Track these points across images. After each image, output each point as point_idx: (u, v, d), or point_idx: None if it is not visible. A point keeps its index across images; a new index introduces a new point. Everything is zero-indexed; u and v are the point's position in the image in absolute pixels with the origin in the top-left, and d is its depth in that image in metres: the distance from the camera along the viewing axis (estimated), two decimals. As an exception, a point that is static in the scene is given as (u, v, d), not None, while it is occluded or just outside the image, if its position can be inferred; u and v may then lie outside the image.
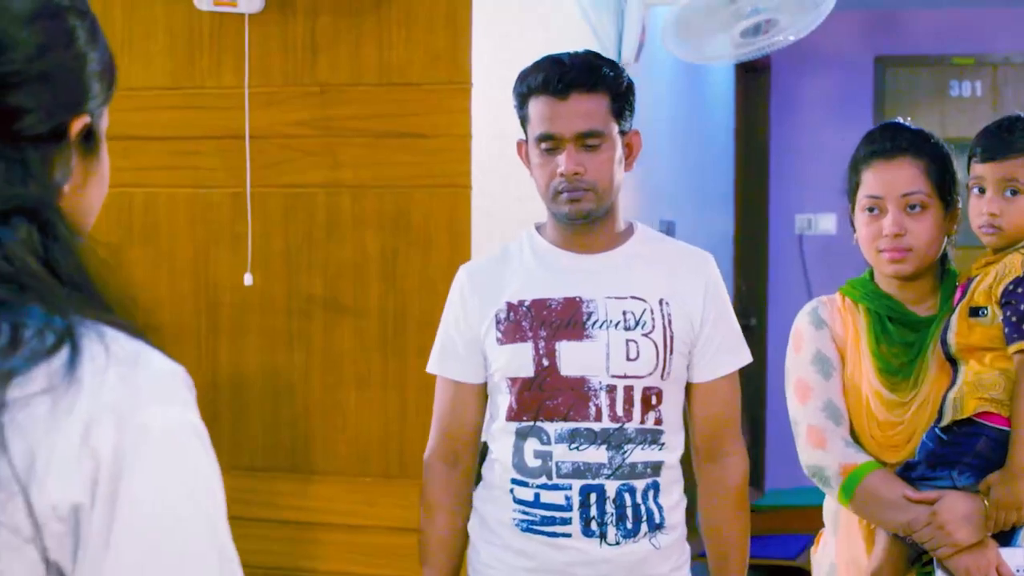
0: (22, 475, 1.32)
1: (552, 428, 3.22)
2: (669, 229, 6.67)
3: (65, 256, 1.43)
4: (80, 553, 1.35)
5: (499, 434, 3.31)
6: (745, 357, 3.39)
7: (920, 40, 9.18)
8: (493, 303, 3.31)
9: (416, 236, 4.17)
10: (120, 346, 1.43)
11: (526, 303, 3.27)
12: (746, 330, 8.83)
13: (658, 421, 3.25)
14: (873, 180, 3.29)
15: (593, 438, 3.21)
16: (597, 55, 3.30)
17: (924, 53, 9.17)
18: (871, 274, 3.40)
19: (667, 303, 3.26)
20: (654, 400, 3.24)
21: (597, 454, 3.20)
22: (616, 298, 3.25)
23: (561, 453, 3.20)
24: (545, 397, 3.23)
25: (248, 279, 4.26)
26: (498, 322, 3.29)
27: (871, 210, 3.29)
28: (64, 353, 1.36)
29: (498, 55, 4.31)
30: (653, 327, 3.23)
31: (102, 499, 1.35)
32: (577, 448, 3.20)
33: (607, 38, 5.42)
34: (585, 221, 3.25)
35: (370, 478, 4.23)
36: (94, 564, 1.35)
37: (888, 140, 3.32)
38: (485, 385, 3.37)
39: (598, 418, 3.21)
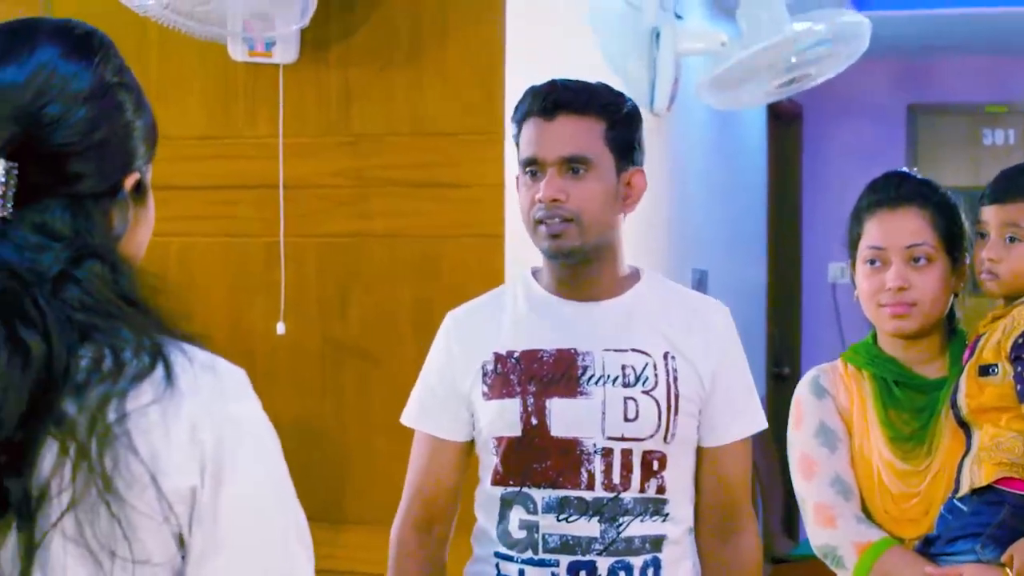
0: (151, 469, 1.64)
1: (539, 495, 2.88)
2: (702, 278, 6.66)
3: (131, 287, 1.72)
4: (195, 526, 1.67)
5: (485, 500, 3.00)
6: (759, 422, 3.06)
7: (953, 88, 9.18)
8: (480, 354, 2.98)
9: (449, 285, 4.18)
10: (197, 356, 1.75)
11: (515, 354, 2.93)
12: (779, 379, 8.78)
13: (661, 489, 2.90)
14: (876, 230, 3.09)
15: (584, 508, 2.86)
16: (605, 85, 3.02)
17: (957, 101, 9.17)
18: (874, 337, 3.17)
19: (673, 357, 2.92)
20: (656, 466, 2.89)
21: (588, 527, 2.85)
22: (615, 351, 2.91)
23: (548, 524, 2.87)
24: (532, 460, 2.88)
25: (281, 328, 4.28)
26: (484, 375, 2.95)
27: (872, 262, 3.08)
28: (160, 368, 1.67)
29: (531, 105, 4.32)
30: (656, 384, 2.89)
31: (209, 480, 1.68)
32: (566, 519, 2.86)
33: (639, 88, 5.43)
34: (570, 260, 2.91)
35: (403, 527, 4.22)
36: (207, 533, 1.68)
37: (892, 189, 3.12)
38: (468, 444, 3.05)
39: (590, 486, 2.86)
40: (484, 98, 4.16)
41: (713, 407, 2.96)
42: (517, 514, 2.91)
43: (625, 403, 2.88)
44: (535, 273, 3.06)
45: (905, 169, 3.26)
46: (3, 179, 1.67)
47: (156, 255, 4.42)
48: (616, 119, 2.92)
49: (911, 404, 3.07)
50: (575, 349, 2.91)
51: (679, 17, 5.87)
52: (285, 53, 4.22)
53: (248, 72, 4.37)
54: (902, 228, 3.06)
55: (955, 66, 9.14)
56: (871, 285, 3.07)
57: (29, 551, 1.59)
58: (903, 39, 8.34)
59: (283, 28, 4.15)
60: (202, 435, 1.69)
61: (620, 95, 2.99)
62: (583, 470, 2.86)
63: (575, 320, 2.95)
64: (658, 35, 5.55)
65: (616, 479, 2.87)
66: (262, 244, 4.36)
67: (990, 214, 3.03)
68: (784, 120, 8.93)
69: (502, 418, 2.91)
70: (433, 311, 4.19)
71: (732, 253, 7.69)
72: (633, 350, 2.92)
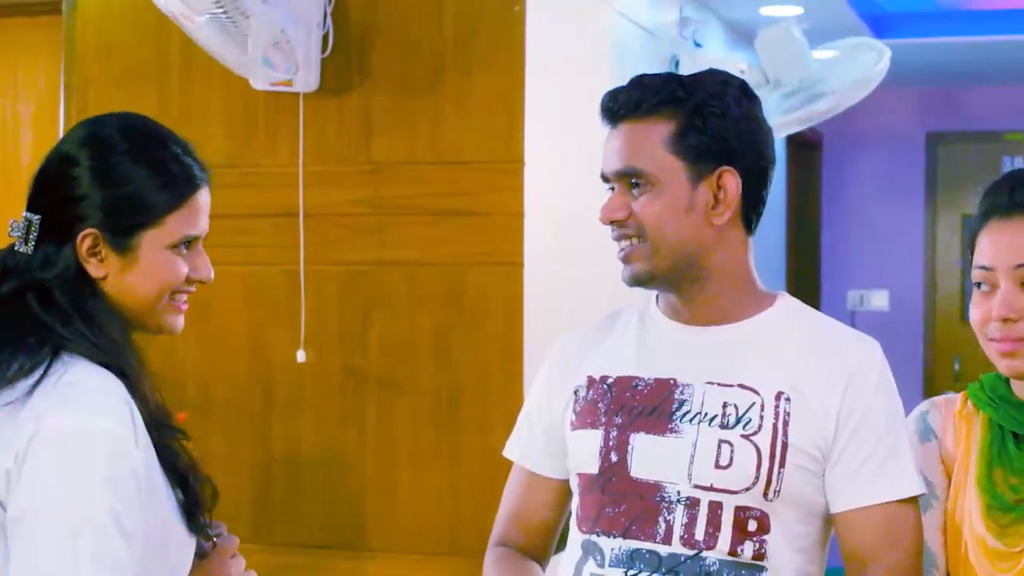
0: None
1: (608, 546, 2.45)
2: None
3: (70, 313, 2.17)
4: (8, 501, 2.06)
5: (570, 546, 2.56)
6: (906, 486, 2.43)
7: (972, 116, 9.17)
8: (575, 378, 2.59)
9: (469, 314, 4.18)
10: (75, 373, 2.11)
11: (609, 380, 2.53)
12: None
13: (759, 556, 2.39)
14: (986, 246, 2.43)
15: (656, 565, 2.41)
16: (703, 74, 2.55)
17: (976, 129, 9.17)
18: None
19: (788, 399, 2.42)
20: (753, 526, 2.39)
21: None
22: (719, 385, 2.46)
23: None
24: (606, 503, 2.46)
25: (301, 356, 4.28)
26: (575, 401, 2.57)
27: (979, 285, 2.44)
28: (36, 377, 2.09)
29: (551, 134, 4.34)
30: (760, 428, 2.40)
31: (15, 470, 2.05)
32: None
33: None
34: (652, 287, 2.55)
35: (425, 555, 4.22)
36: (9, 513, 2.05)
37: (1006, 193, 2.44)
38: (566, 483, 2.63)
39: (667, 540, 2.41)
40: (504, 127, 4.16)
41: (843, 464, 2.42)
42: (589, 568, 2.47)
43: (719, 447, 2.41)
44: (660, 294, 2.62)
45: None
46: (27, 227, 2.22)
47: (177, 283, 4.45)
48: (688, 118, 2.46)
49: None
50: (675, 380, 2.49)
51: (698, 45, 5.88)
52: (306, 82, 4.23)
53: (268, 100, 4.38)
54: (1012, 244, 2.40)
55: (975, 94, 9.14)
56: (979, 313, 2.44)
57: None
58: (923, 67, 8.34)
59: (304, 56, 4.16)
60: (23, 433, 2.06)
61: (703, 86, 2.49)
62: (661, 520, 2.42)
63: (681, 346, 2.53)
64: (677, 63, 5.56)
65: (699, 535, 2.40)
66: (282, 272, 4.37)
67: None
68: (804, 148, 8.93)
69: (583, 451, 2.52)
70: (453, 339, 4.20)
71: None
72: (740, 386, 2.46)
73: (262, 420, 4.40)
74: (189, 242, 2.29)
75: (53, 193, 2.21)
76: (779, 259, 8.59)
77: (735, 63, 5.75)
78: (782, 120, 5.57)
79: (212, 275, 2.37)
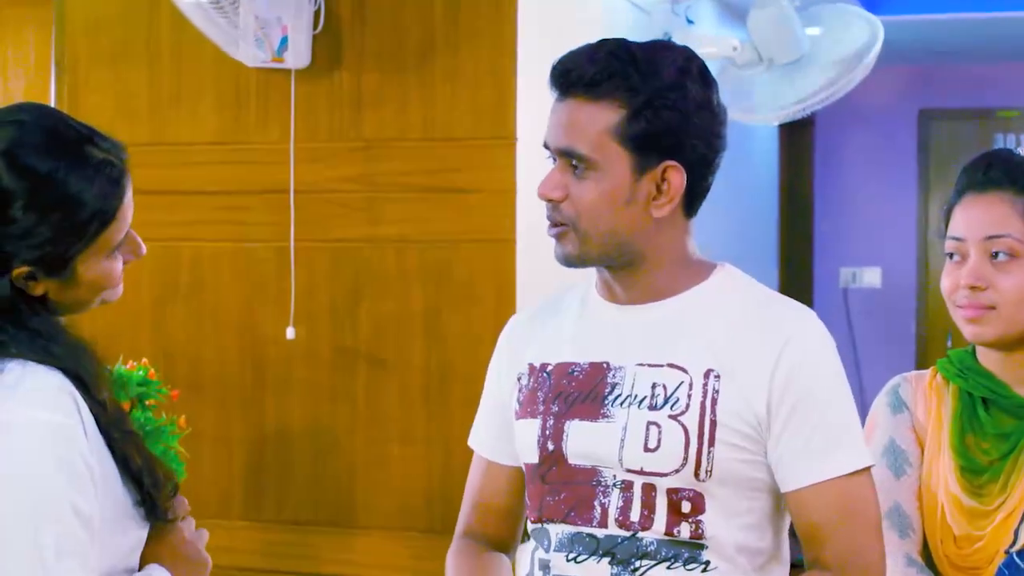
0: None
1: (554, 531, 2.42)
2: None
3: (14, 332, 2.13)
4: None
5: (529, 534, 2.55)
6: (854, 459, 2.34)
7: (964, 93, 9.16)
8: (519, 364, 2.54)
9: (460, 291, 4.18)
10: (15, 374, 2.08)
11: (548, 367, 2.47)
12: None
13: (697, 535, 2.34)
14: (959, 219, 2.56)
15: (594, 547, 2.39)
16: (647, 47, 2.39)
17: (969, 106, 9.16)
18: (975, 346, 2.64)
19: (717, 376, 2.34)
20: (687, 507, 2.34)
21: (598, 568, 2.38)
22: (649, 366, 2.38)
23: (559, 564, 2.41)
24: (547, 491, 2.43)
25: (290, 333, 4.28)
26: (519, 390, 2.52)
27: (951, 256, 2.57)
28: None
29: (543, 110, 4.32)
30: (687, 408, 2.33)
31: None
32: (575, 559, 2.40)
33: (651, 93, 5.41)
34: (580, 267, 2.45)
35: (414, 532, 4.22)
36: None
37: (981, 170, 2.58)
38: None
39: (603, 522, 2.37)
40: (496, 103, 4.16)
41: (784, 442, 2.33)
42: (538, 554, 2.46)
43: (647, 429, 2.35)
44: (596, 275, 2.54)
45: (1013, 148, 2.70)
46: None
47: (167, 260, 4.48)
48: (640, 104, 2.33)
49: (996, 428, 2.56)
50: (608, 363, 2.41)
51: (690, 22, 5.87)
52: (297, 59, 4.22)
53: (260, 77, 4.37)
54: (983, 217, 2.53)
55: (967, 71, 9.13)
56: (949, 282, 2.56)
57: None
58: (914, 44, 8.33)
59: (295, 33, 4.16)
60: None
61: (660, 68, 2.35)
62: (596, 504, 2.38)
63: (614, 328, 2.45)
64: (669, 39, 5.54)
65: (634, 517, 2.35)
66: (273, 249, 4.36)
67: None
68: (796, 125, 8.91)
69: (525, 440, 2.47)
70: (444, 316, 4.20)
71: (743, 258, 7.66)
72: (670, 365, 2.37)
73: (252, 397, 4.39)
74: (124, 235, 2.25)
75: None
76: (771, 237, 8.60)
77: (727, 40, 5.74)
78: (781, 111, 5.55)
79: (144, 250, 2.29)
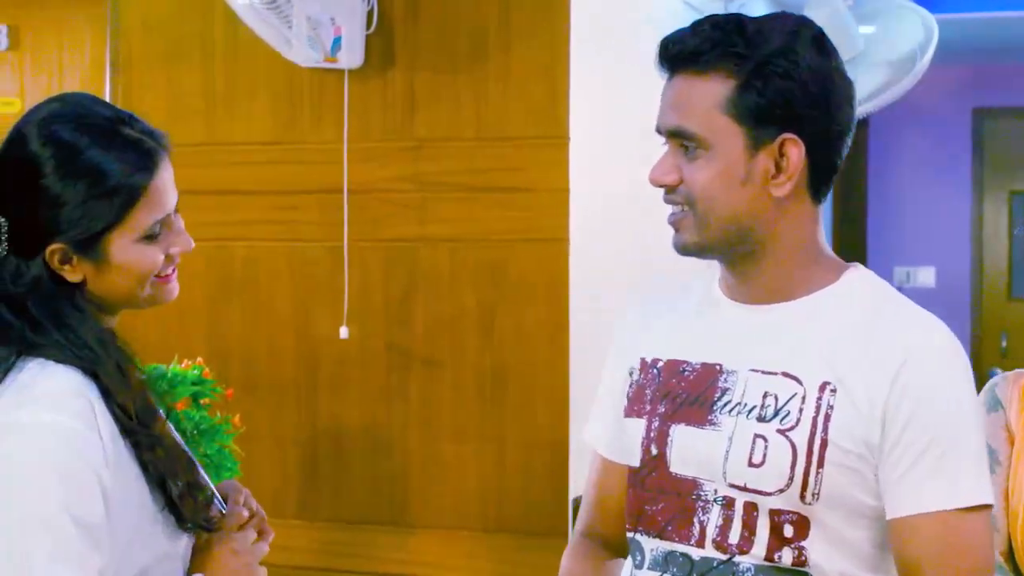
0: None
1: (648, 547, 2.25)
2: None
3: (42, 321, 2.13)
4: None
5: None
6: (967, 494, 2.08)
7: (1018, 92, 9.10)
8: (631, 356, 2.37)
9: (513, 290, 4.18)
10: (33, 373, 2.08)
11: (660, 363, 2.30)
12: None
13: (800, 562, 2.13)
14: None
15: (688, 569, 2.20)
16: (756, 18, 2.24)
17: (1023, 105, 9.10)
18: None
19: (833, 390, 2.13)
20: (789, 531, 2.13)
21: None
22: (762, 372, 2.19)
23: None
24: (646, 500, 2.26)
25: (344, 332, 4.29)
26: (629, 385, 2.34)
27: None
28: None
29: (595, 109, 4.32)
30: (797, 422, 2.12)
31: None
32: None
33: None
34: (699, 256, 2.26)
35: (468, 531, 4.22)
36: None
37: None
38: None
39: (700, 542, 2.19)
40: (548, 102, 4.15)
41: (890, 466, 2.11)
42: (627, 568, 2.30)
43: (754, 442, 2.16)
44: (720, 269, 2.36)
45: None
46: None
47: (221, 260, 4.48)
48: (751, 76, 2.15)
49: None
50: (721, 365, 2.23)
51: (743, 21, 5.85)
52: (350, 58, 4.23)
53: (313, 78, 4.38)
54: None
55: (1020, 69, 9.07)
56: None
57: None
58: (967, 43, 8.28)
59: (348, 33, 4.16)
60: None
61: (770, 36, 2.17)
62: (696, 520, 2.19)
63: (732, 327, 2.26)
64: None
65: (733, 538, 2.16)
66: (326, 249, 4.37)
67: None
68: (849, 124, 8.89)
69: (628, 441, 2.30)
70: (497, 315, 4.19)
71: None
72: (784, 374, 2.18)
73: (306, 396, 4.40)
74: (161, 222, 2.22)
75: (18, 201, 2.16)
76: (825, 235, 8.56)
77: (780, 38, 5.71)
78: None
79: (192, 245, 2.26)
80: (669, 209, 2.21)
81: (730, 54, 2.14)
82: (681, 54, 2.18)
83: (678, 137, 2.17)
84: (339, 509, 4.35)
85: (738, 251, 2.21)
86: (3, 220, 2.15)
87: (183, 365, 3.84)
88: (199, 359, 3.88)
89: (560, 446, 4.03)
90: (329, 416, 4.37)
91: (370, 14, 4.26)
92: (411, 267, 4.30)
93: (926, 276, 8.94)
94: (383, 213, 4.32)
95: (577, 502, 3.99)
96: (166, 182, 2.20)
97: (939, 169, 9.07)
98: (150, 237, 2.19)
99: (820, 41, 2.20)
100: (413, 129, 4.30)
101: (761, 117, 2.14)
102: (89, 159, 2.14)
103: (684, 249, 2.22)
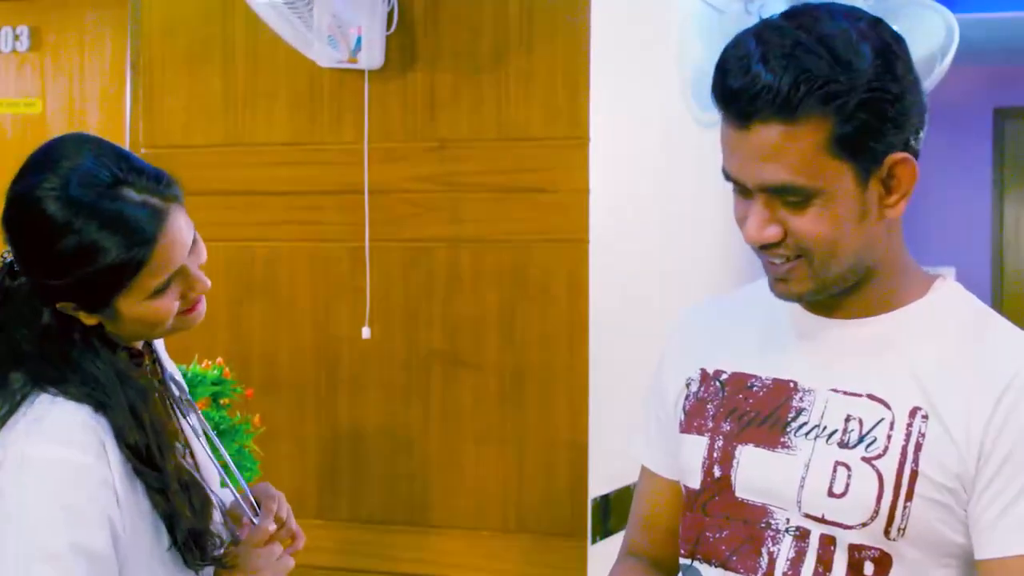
0: None
1: (708, 575, 2.09)
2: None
3: (54, 359, 2.15)
4: None
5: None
6: None
7: (1040, 92, 9.10)
8: (689, 365, 2.21)
9: (535, 291, 4.17)
10: (45, 407, 2.10)
11: (723, 376, 2.14)
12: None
13: None
14: None
15: None
16: (822, 34, 1.92)
17: (1044, 105, 9.09)
18: None
19: (924, 417, 1.95)
20: (870, 569, 1.95)
21: None
22: (844, 393, 2.01)
23: None
24: (707, 526, 2.09)
25: (366, 332, 4.29)
26: (686, 397, 2.19)
27: None
28: (6, 411, 2.10)
29: (616, 110, 4.32)
30: (885, 451, 1.95)
31: None
32: None
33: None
34: (812, 300, 2.07)
35: (488, 532, 4.22)
36: None
37: None
38: None
39: (768, 575, 2.01)
40: (570, 102, 4.15)
41: (985, 503, 1.93)
42: None
43: (835, 470, 1.98)
44: None
45: None
46: (10, 267, 2.25)
47: (242, 260, 4.49)
48: (847, 110, 1.90)
49: None
50: (795, 383, 2.06)
51: (764, 21, 5.84)
52: (371, 59, 4.23)
53: (333, 78, 4.38)
54: None
55: (1043, 69, 9.06)
56: None
57: None
58: (988, 42, 8.27)
59: (368, 33, 4.16)
60: None
61: (858, 64, 1.91)
62: (764, 551, 2.02)
63: (810, 341, 2.09)
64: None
65: (806, 573, 1.99)
66: (347, 249, 4.37)
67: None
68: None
69: (687, 460, 2.14)
70: (518, 316, 4.19)
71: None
72: (869, 396, 2.00)
73: (327, 397, 4.40)
74: (172, 275, 2.22)
75: (31, 263, 2.18)
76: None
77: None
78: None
79: (208, 284, 2.27)
80: (773, 261, 2.02)
81: (825, 95, 1.89)
82: (768, 102, 1.90)
83: (780, 194, 1.95)
84: (359, 509, 4.36)
85: (849, 280, 2.04)
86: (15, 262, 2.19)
87: (203, 365, 3.85)
88: (219, 359, 3.89)
89: (580, 447, 4.03)
90: (349, 416, 4.38)
91: (390, 14, 4.26)
92: (432, 267, 4.30)
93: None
94: (404, 213, 4.32)
95: (596, 503, 4.00)
96: (173, 239, 2.15)
97: (959, 169, 9.06)
98: (161, 291, 2.20)
99: (895, 36, 2.00)
100: (434, 130, 4.30)
101: (869, 147, 1.96)
102: (84, 239, 2.11)
103: (796, 298, 2.05)
